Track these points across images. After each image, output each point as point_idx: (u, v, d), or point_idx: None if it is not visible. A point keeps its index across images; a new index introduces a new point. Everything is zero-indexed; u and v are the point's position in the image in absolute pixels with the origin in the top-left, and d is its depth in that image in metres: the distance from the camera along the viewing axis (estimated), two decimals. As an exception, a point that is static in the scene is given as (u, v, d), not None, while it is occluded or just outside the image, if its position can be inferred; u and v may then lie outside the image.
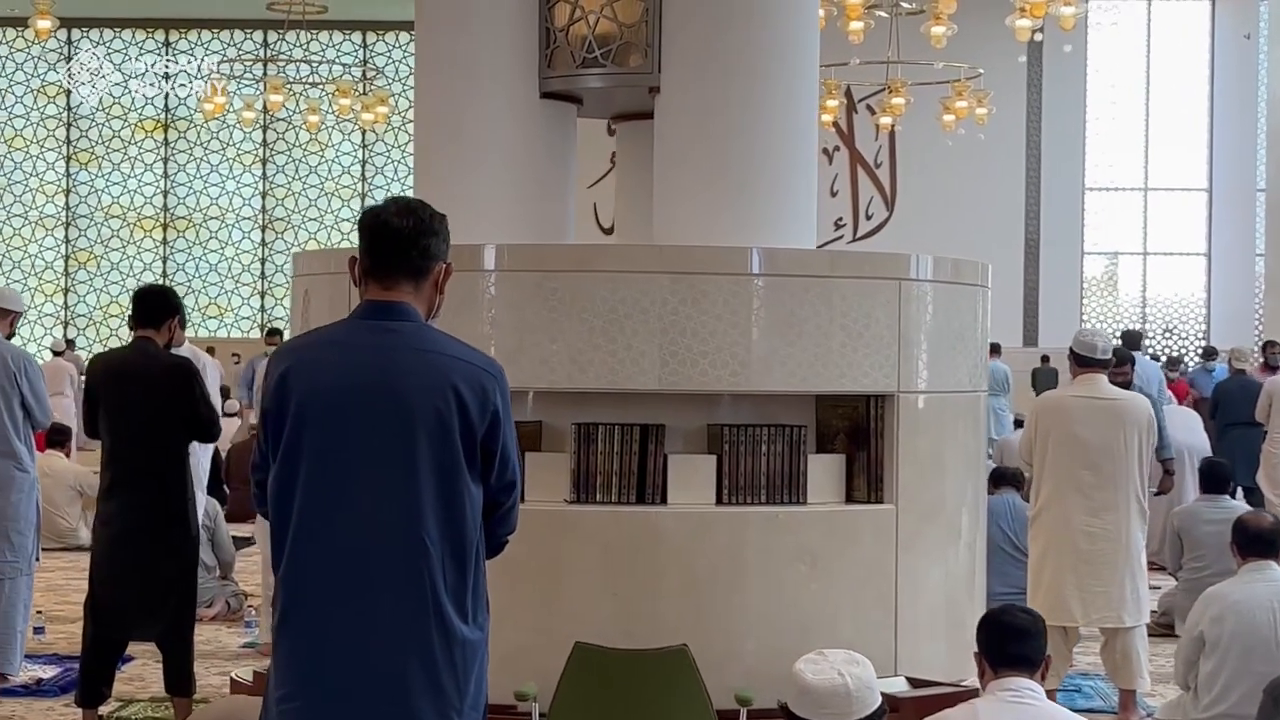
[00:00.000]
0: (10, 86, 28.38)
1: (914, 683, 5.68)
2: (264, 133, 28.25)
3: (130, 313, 6.60)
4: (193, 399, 6.46)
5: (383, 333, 3.45)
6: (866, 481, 5.82)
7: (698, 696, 4.93)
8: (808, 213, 6.26)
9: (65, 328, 27.80)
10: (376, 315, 3.48)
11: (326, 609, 3.36)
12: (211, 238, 28.52)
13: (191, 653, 6.62)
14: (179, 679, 6.53)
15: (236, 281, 28.48)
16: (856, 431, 5.87)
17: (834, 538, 5.72)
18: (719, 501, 5.68)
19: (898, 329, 5.79)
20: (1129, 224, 27.49)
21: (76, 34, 27.64)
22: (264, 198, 28.56)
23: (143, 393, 6.38)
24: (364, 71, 25.50)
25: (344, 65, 26.15)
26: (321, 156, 28.66)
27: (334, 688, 3.34)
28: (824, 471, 5.79)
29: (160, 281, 28.18)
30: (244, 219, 28.58)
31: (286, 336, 9.83)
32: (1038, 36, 17.62)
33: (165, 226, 28.49)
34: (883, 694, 5.45)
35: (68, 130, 28.39)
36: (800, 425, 5.78)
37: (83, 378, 21.77)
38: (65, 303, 28.22)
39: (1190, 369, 20.36)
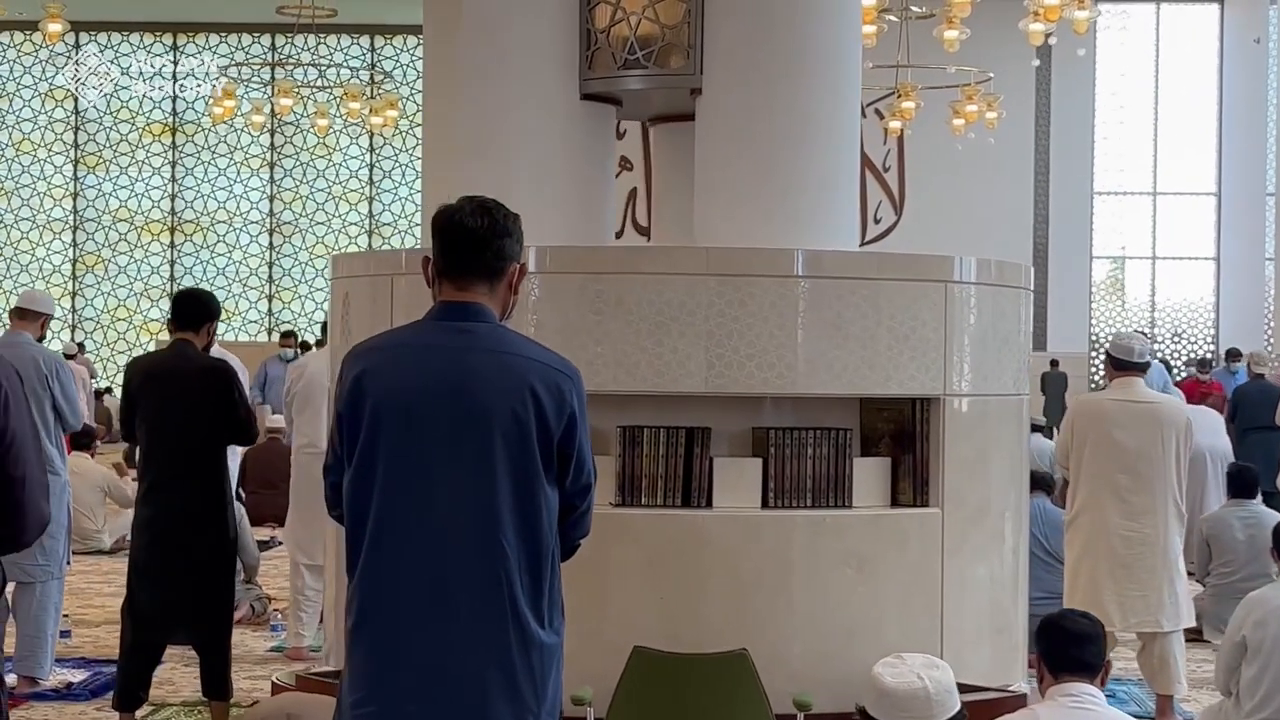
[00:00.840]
0: (18, 90, 28.35)
1: (961, 688, 5.64)
2: (271, 136, 28.22)
3: (169, 315, 6.60)
4: (231, 401, 6.44)
5: (458, 334, 3.42)
6: (912, 485, 5.79)
7: (757, 701, 4.89)
8: (850, 215, 6.24)
9: (73, 331, 27.76)
10: (451, 316, 3.44)
11: (404, 613, 3.33)
12: (219, 241, 28.50)
13: (229, 656, 6.60)
14: (217, 683, 6.50)
15: (244, 285, 28.44)
16: (901, 434, 5.83)
17: (880, 541, 5.69)
18: (765, 505, 5.64)
19: (944, 331, 5.75)
20: (1138, 228, 27.50)
21: (84, 37, 27.59)
22: (271, 201, 28.53)
23: (182, 394, 6.36)
24: (371, 75, 25.47)
25: (351, 69, 26.13)
26: (329, 160, 28.63)
27: (411, 692, 3.31)
28: (870, 475, 5.76)
29: (167, 285, 28.24)
30: (251, 223, 28.54)
31: (320, 340, 9.68)
32: (1051, 40, 17.59)
33: (173, 230, 28.46)
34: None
35: (75, 134, 28.37)
36: (846, 428, 5.75)
37: (94, 381, 21.85)
38: (73, 306, 28.17)
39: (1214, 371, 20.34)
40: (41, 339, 7.68)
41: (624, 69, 6.23)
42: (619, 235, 21.31)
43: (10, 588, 7.84)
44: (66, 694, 7.48)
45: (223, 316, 26.03)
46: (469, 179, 6.37)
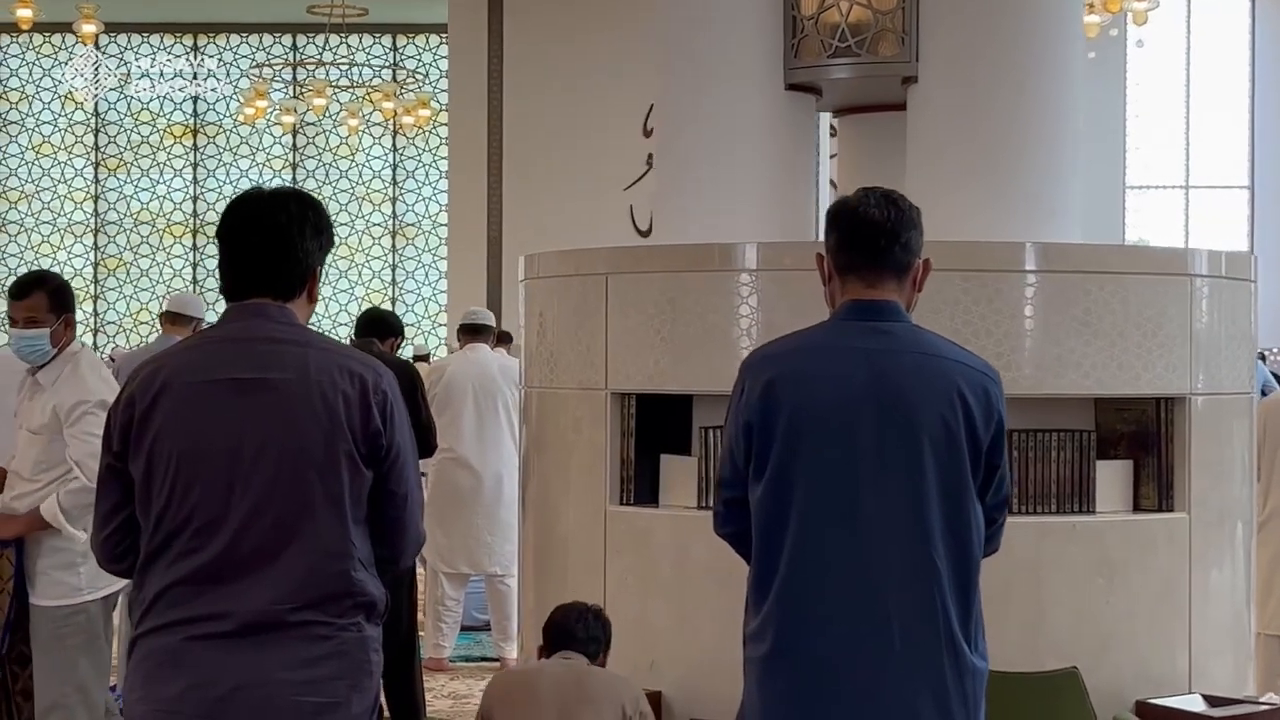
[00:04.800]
0: (38, 93, 28.01)
1: (1210, 700, 5.41)
2: (294, 137, 27.90)
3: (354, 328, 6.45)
4: (415, 403, 6.19)
5: (875, 335, 3.16)
6: (1156, 489, 5.54)
7: (1088, 721, 4.65)
8: (1075, 205, 6.00)
9: (95, 335, 27.39)
10: (865, 316, 3.19)
11: (831, 639, 3.08)
12: (242, 243, 28.13)
13: (415, 673, 6.31)
14: (406, 704, 6.22)
15: (267, 287, 28.06)
16: (1142, 436, 5.58)
17: (1129, 548, 5.43)
18: (1011, 511, 5.37)
19: (1189, 327, 5.51)
20: (1170, 222, 27.29)
21: (103, 39, 27.21)
22: (294, 203, 28.15)
23: None
24: (394, 74, 25.21)
25: (373, 68, 25.87)
26: (352, 161, 28.30)
27: (839, 721, 3.06)
28: (1112, 479, 5.51)
29: (189, 288, 27.86)
30: (274, 224, 28.16)
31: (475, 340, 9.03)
32: (1113, 32, 17.38)
33: (195, 232, 28.10)
34: (1185, 712, 5.20)
35: (95, 136, 28.02)
36: (1087, 430, 5.51)
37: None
38: (95, 309, 27.78)
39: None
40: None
41: (833, 57, 5.97)
42: (648, 234, 21.21)
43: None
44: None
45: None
46: (672, 175, 6.14)
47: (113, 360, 12.88)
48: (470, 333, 8.60)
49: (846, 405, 3.12)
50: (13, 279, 6.12)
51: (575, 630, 4.80)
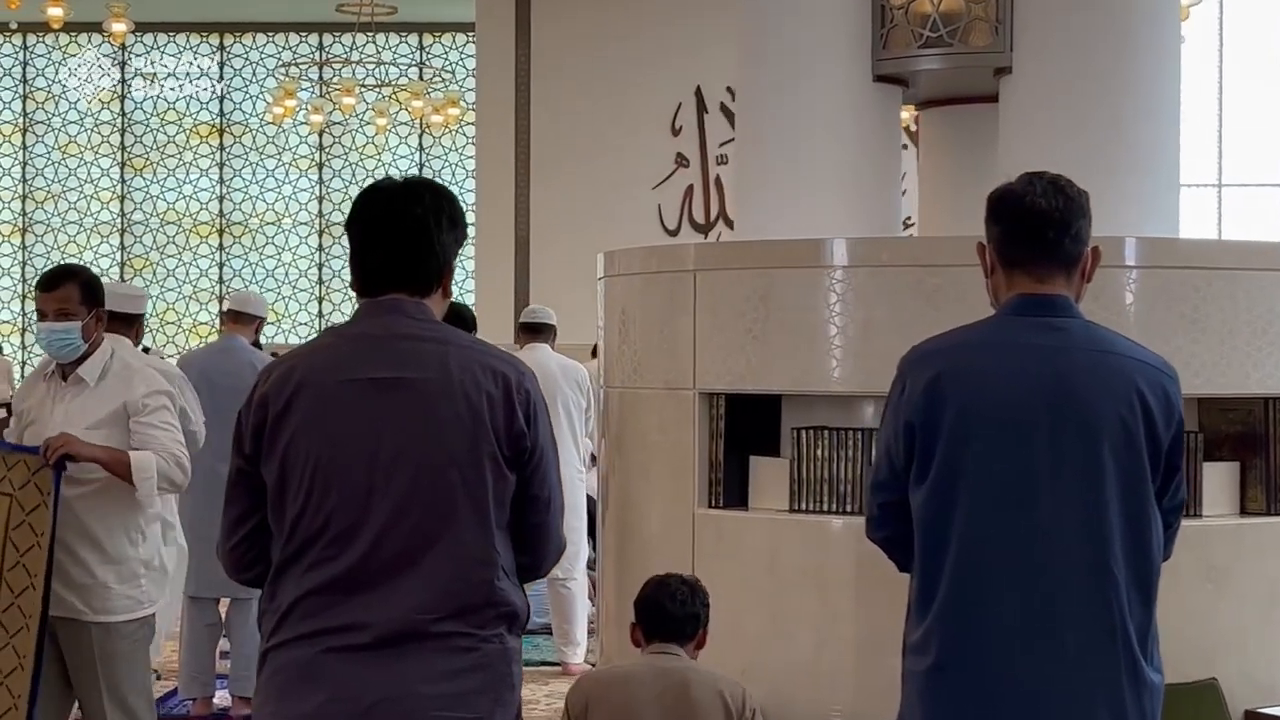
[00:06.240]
0: (64, 92, 27.94)
1: (1319, 709, 5.25)
2: (320, 137, 27.79)
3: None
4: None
5: (1048, 331, 2.99)
6: (1265, 492, 5.38)
7: (1226, 734, 4.49)
8: (1172, 198, 5.85)
9: (123, 336, 27.27)
10: (1037, 311, 3.02)
11: (1000, 652, 2.91)
12: (268, 243, 28.04)
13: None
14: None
15: (294, 287, 27.97)
16: (1249, 437, 5.42)
17: (1237, 553, 5.28)
18: (1117, 513, 5.23)
19: (1297, 325, 5.35)
20: (1203, 221, 27.08)
21: (130, 39, 27.12)
22: (320, 202, 28.06)
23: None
24: (420, 73, 25.12)
25: (399, 67, 25.76)
26: (378, 160, 28.17)
27: (1012, 742, 2.90)
28: (1218, 481, 5.35)
29: (216, 288, 27.81)
30: (300, 224, 28.08)
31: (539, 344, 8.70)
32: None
33: (221, 232, 28.00)
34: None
35: (122, 136, 27.93)
36: (1192, 431, 5.34)
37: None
38: (121, 310, 27.68)
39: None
40: (255, 344, 7.26)
41: (923, 48, 5.82)
42: (675, 233, 20.97)
43: (224, 604, 7.44)
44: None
45: (273, 318, 25.52)
46: (751, 168, 5.99)
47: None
48: (530, 331, 8.42)
49: (1020, 404, 2.96)
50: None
51: (670, 609, 4.44)
